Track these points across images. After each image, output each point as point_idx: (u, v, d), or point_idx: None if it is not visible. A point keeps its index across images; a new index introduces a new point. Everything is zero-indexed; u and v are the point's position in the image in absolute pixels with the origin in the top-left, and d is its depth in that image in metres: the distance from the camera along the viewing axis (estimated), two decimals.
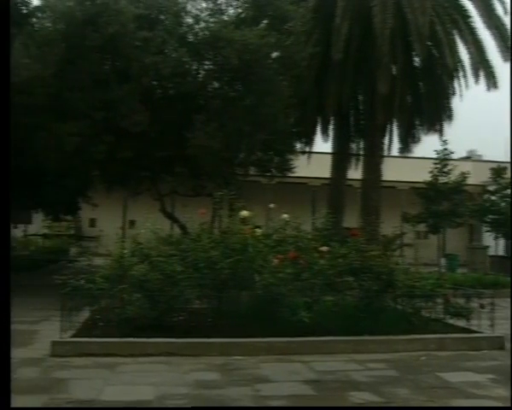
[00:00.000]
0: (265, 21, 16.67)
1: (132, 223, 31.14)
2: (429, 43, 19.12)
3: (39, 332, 10.37)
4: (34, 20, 15.63)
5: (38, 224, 31.44)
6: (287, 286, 9.37)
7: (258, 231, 10.59)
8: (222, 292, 9.61)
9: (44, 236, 32.48)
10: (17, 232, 32.21)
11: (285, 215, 11.41)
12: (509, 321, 10.75)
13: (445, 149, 23.33)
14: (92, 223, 34.20)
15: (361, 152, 22.96)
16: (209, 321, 9.50)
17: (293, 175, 21.72)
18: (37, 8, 15.72)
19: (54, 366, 7.97)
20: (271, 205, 13.32)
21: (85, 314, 9.96)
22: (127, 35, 14.00)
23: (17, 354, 8.65)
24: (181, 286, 9.15)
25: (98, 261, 10.64)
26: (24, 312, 12.68)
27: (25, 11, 15.92)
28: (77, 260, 24.50)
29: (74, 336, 8.97)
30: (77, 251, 29.14)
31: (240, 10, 17.09)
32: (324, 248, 10.43)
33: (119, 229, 28.81)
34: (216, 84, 16.11)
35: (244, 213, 10.39)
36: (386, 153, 21.98)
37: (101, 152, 14.58)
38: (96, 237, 30.65)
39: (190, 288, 9.27)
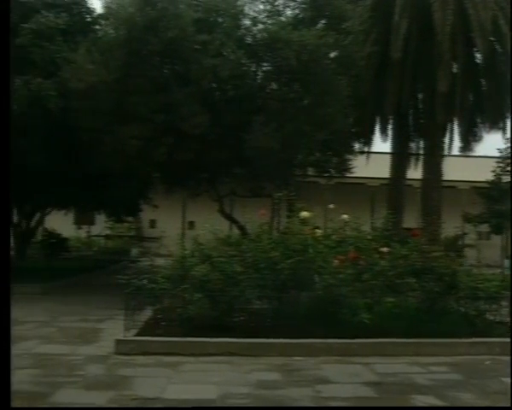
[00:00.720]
0: (323, 21, 16.61)
1: (191, 224, 31.56)
2: (492, 38, 18.66)
3: (104, 330, 10.64)
4: (97, 27, 16.09)
5: (101, 225, 32.29)
6: (347, 287, 9.33)
7: (318, 231, 10.58)
8: (282, 293, 9.64)
9: (107, 236, 33.33)
10: (81, 233, 33.19)
11: (345, 216, 11.37)
12: None
13: (508, 148, 22.71)
14: (152, 224, 34.78)
15: (421, 151, 22.58)
16: (269, 322, 9.54)
17: (351, 175, 21.61)
18: (100, 15, 16.18)
19: (118, 364, 8.16)
20: (331, 205, 13.28)
21: (148, 313, 10.20)
22: (186, 39, 14.20)
23: (83, 351, 8.96)
24: (241, 286, 9.24)
25: (159, 262, 10.84)
26: (88, 310, 13.08)
27: (89, 19, 16.42)
28: (138, 260, 25.05)
29: (137, 334, 9.17)
30: (138, 252, 29.85)
31: (297, 11, 17.07)
32: (385, 249, 10.34)
33: (180, 230, 29.28)
34: (274, 86, 16.15)
35: (304, 213, 10.40)
36: (446, 152, 21.54)
37: (162, 154, 14.83)
38: (158, 237, 31.19)
39: (250, 288, 9.35)
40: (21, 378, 7.19)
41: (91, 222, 33.13)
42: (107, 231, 33.32)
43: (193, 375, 7.71)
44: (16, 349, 8.89)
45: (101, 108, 14.10)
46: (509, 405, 6.72)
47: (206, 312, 9.17)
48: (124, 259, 27.23)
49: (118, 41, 14.15)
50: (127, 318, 9.17)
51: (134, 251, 31.01)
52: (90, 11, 16.67)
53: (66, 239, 27.80)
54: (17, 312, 12.42)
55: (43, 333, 10.31)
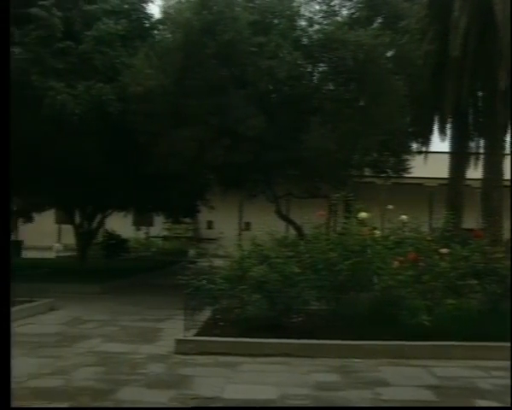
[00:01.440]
0: (379, 21, 16.45)
1: (248, 225, 31.73)
2: None
3: (163, 330, 10.84)
4: (155, 32, 16.43)
5: (159, 226, 32.83)
6: (406, 288, 9.22)
7: (377, 232, 10.50)
8: (340, 294, 9.60)
9: (164, 238, 33.83)
10: (140, 234, 33.83)
11: (403, 216, 11.24)
12: None
13: None
14: (209, 225, 35.08)
15: (481, 151, 22.08)
16: (327, 323, 9.51)
17: (409, 176, 21.30)
18: (158, 20, 16.53)
19: (178, 363, 8.28)
20: (389, 206, 13.14)
21: (207, 314, 10.32)
22: (243, 41, 14.30)
23: (144, 350, 9.13)
24: (299, 287, 9.25)
25: (218, 263, 10.94)
26: (148, 310, 13.34)
27: (147, 25, 16.79)
28: (196, 261, 25.26)
29: (197, 334, 9.29)
30: (195, 252, 30.14)
31: (353, 11, 16.95)
32: (445, 250, 10.17)
33: (236, 231, 29.46)
34: (330, 86, 16.08)
35: (363, 214, 10.34)
36: (507, 151, 20.99)
37: (218, 156, 14.97)
38: (215, 238, 31.48)
39: (308, 289, 9.35)
40: (86, 376, 7.41)
41: (150, 223, 33.75)
42: (165, 233, 33.84)
43: (251, 375, 7.75)
44: (80, 347, 9.17)
45: (159, 110, 14.37)
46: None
47: (263, 312, 9.21)
48: (181, 260, 27.50)
49: (175, 45, 14.38)
50: (187, 318, 9.29)
51: (191, 252, 31.32)
52: (148, 17, 17.04)
53: (125, 240, 28.43)
54: (80, 311, 12.82)
55: (105, 332, 10.57)
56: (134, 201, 20.92)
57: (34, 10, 13.51)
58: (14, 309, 11.39)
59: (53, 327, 10.83)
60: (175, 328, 10.07)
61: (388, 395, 6.91)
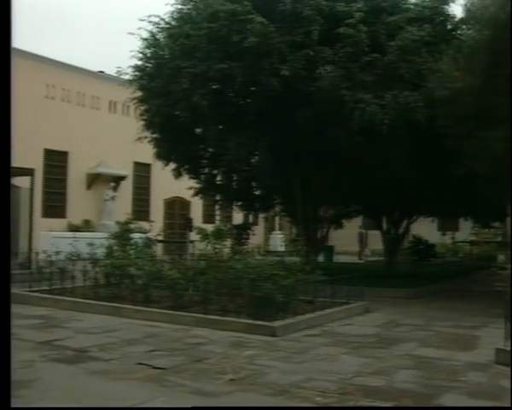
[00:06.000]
0: None
1: None
2: None
3: (479, 338, 10.55)
4: (459, 32, 16.11)
5: (465, 231, 31.99)
6: None
7: None
8: None
9: (472, 242, 32.82)
10: (446, 239, 33.38)
11: None
12: None
13: None
14: None
15: None
16: None
17: None
18: (461, 20, 16.15)
19: (499, 374, 7.95)
20: None
21: None
22: None
23: (461, 357, 8.97)
24: None
25: None
26: (459, 316, 13.07)
27: (449, 26, 16.54)
28: (506, 267, 23.95)
29: None
30: (505, 258, 28.64)
31: None
32: None
33: None
34: None
35: None
36: None
37: None
38: None
39: None
40: (406, 378, 7.56)
41: (455, 228, 33.09)
42: (473, 237, 32.83)
43: None
44: (397, 350, 9.40)
45: (467, 112, 14.03)
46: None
47: None
48: (491, 265, 26.47)
49: (481, 43, 13.89)
50: (508, 327, 8.88)
51: (501, 257, 29.88)
52: (450, 18, 16.74)
53: (433, 245, 28.32)
54: (394, 314, 13.13)
55: (420, 336, 10.67)
56: (442, 206, 20.73)
57: (342, 29, 14.30)
58: (333, 310, 12.28)
59: (369, 329, 11.29)
60: (492, 336, 9.74)
61: None
